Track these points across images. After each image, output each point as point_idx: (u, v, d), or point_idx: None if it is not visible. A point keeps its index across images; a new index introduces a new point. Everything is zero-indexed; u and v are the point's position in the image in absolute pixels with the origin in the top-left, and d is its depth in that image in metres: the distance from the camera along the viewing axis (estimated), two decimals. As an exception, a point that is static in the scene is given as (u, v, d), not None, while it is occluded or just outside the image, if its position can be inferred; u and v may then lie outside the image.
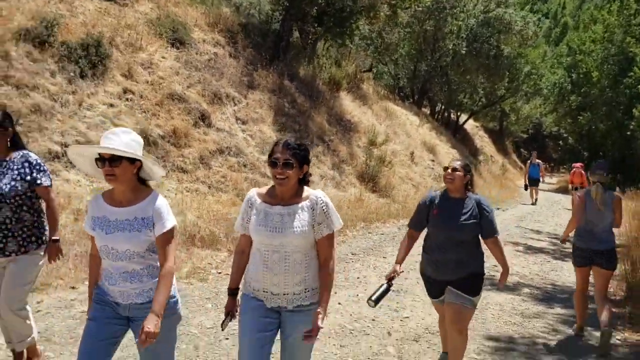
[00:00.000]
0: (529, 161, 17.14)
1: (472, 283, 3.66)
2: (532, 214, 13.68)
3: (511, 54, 22.12)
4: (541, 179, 16.79)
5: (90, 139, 7.38)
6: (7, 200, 3.40)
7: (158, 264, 2.72)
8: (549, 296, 6.31)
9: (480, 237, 3.71)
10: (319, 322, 2.64)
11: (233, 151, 9.36)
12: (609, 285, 5.20)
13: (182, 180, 8.23)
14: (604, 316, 4.68)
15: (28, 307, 3.57)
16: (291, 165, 2.67)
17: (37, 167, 3.53)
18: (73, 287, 5.08)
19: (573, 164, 16.73)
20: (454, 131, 26.06)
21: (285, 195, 2.77)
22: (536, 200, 16.16)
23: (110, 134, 2.70)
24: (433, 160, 15.89)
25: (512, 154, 31.94)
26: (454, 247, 3.65)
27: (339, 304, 5.30)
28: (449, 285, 3.68)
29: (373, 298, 3.52)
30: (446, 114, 27.01)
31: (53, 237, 3.56)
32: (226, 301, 2.90)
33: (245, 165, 9.35)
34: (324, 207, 2.74)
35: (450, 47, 20.17)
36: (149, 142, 8.09)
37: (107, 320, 2.71)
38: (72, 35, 8.30)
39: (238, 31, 11.92)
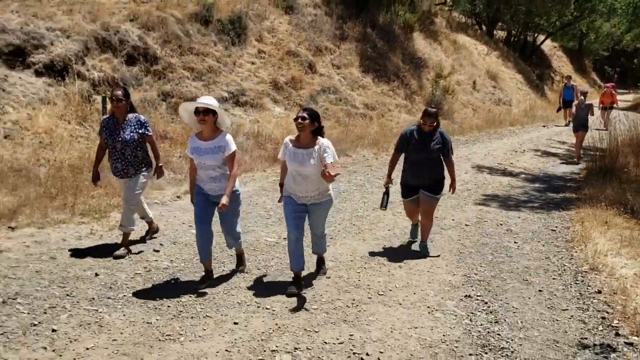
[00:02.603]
0: (564, 84, 19.02)
1: (437, 186, 6.07)
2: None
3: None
4: (575, 100, 17.93)
5: (244, 88, 12.05)
6: (128, 145, 5.56)
7: (227, 172, 4.89)
8: (535, 178, 10.45)
9: (442, 157, 6.07)
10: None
11: (331, 90, 13.80)
12: (583, 140, 12.28)
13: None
14: (576, 153, 12.32)
15: (134, 208, 5.70)
16: (305, 118, 4.75)
17: (145, 124, 5.70)
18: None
19: (604, 84, 19.45)
20: (530, 54, 28.91)
21: (304, 141, 4.84)
22: (569, 122, 17.55)
23: (202, 98, 4.94)
24: (494, 87, 19.61)
25: (591, 72, 34.10)
26: (426, 163, 5.99)
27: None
28: (422, 189, 6.03)
29: (382, 206, 6.16)
30: (522, 37, 29.75)
31: (159, 164, 5.79)
32: (280, 190, 5.17)
33: (340, 100, 13.79)
34: (325, 148, 4.79)
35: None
36: (278, 87, 12.70)
37: (204, 200, 4.96)
38: (222, 13, 12.85)
39: (330, -9, 16.08)
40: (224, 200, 4.78)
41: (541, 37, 29.93)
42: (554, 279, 5.59)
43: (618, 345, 4.19)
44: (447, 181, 6.18)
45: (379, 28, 16.60)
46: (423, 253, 6.19)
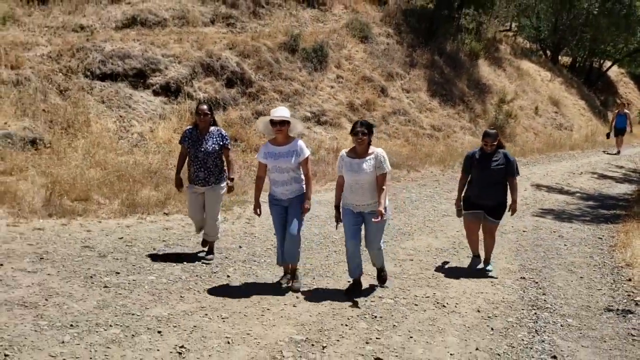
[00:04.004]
0: (616, 111, 19.23)
1: (499, 211, 6.57)
2: (631, 156, 18.30)
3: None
4: (628, 129, 18.61)
5: (324, 108, 13.97)
6: (210, 155, 6.12)
7: (299, 176, 5.56)
8: (590, 197, 11.87)
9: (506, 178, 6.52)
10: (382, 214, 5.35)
11: (401, 112, 15.58)
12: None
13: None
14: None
15: (219, 221, 6.36)
16: (365, 134, 5.34)
17: (225, 137, 6.26)
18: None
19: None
20: (595, 80, 29.90)
21: (361, 152, 5.43)
22: (619, 151, 18.37)
23: (277, 109, 5.54)
24: (556, 112, 20.94)
25: (660, 99, 34.62)
26: (489, 183, 6.45)
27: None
28: (485, 212, 6.54)
29: (457, 215, 6.91)
30: (587, 64, 30.78)
31: (230, 176, 6.30)
32: (335, 212, 5.72)
33: (409, 121, 15.54)
34: (381, 158, 5.41)
35: (585, 7, 24.40)
36: (353, 109, 14.58)
37: (280, 210, 5.61)
38: (307, 43, 14.88)
39: (402, 22, 17.97)
40: (307, 204, 5.61)
41: (607, 63, 30.88)
42: (594, 270, 7.15)
43: (636, 310, 5.76)
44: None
45: (446, 55, 18.35)
46: (487, 273, 6.74)
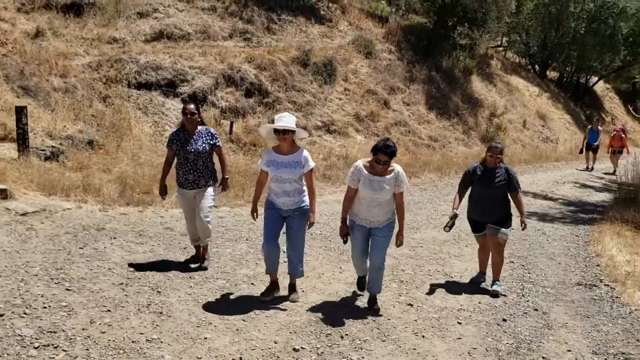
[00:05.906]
0: (589, 127, 19.79)
1: (505, 220, 6.74)
2: (603, 169, 20.32)
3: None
4: (598, 145, 19.20)
5: (333, 119, 15.88)
6: (201, 155, 6.13)
7: (302, 187, 5.56)
8: (570, 203, 13.88)
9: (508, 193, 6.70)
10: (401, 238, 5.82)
11: (402, 123, 17.55)
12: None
13: (376, 140, 16.55)
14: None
15: (210, 219, 6.33)
16: (387, 162, 5.38)
17: (215, 135, 6.27)
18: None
19: (614, 128, 20.60)
20: (582, 94, 32.24)
21: (381, 172, 5.46)
22: (592, 168, 19.17)
23: (281, 116, 5.44)
24: (543, 126, 23.11)
25: (644, 115, 37.24)
26: (491, 199, 6.64)
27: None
28: (489, 223, 6.71)
29: (446, 227, 6.77)
30: (575, 79, 33.15)
31: (225, 176, 6.34)
32: (340, 226, 5.85)
33: (409, 132, 17.50)
34: (401, 176, 5.53)
35: (572, 26, 26.70)
36: (359, 119, 16.50)
37: (276, 215, 5.63)
38: (317, 58, 16.79)
39: (402, 39, 20.00)
40: (312, 218, 5.68)
41: (594, 79, 33.27)
42: (570, 258, 9.09)
43: (600, 285, 7.70)
44: (515, 217, 7.11)
45: (442, 71, 20.41)
46: (494, 292, 6.85)
